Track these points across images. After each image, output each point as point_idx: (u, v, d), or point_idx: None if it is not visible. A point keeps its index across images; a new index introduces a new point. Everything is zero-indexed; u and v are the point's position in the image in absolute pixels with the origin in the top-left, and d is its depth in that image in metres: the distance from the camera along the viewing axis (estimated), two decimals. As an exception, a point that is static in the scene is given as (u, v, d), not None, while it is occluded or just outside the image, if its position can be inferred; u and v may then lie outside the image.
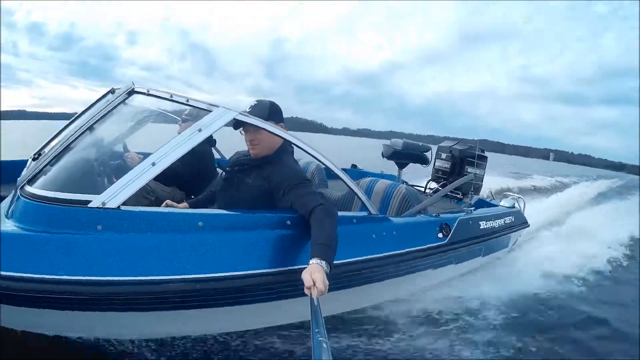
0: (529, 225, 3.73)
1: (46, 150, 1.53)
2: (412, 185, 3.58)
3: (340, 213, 1.57)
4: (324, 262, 1.25)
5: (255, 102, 1.74)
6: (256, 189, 1.64)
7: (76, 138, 1.45)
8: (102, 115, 1.50)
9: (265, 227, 1.52)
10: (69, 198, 1.27)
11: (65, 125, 1.71)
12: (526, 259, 3.75)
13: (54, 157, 1.41)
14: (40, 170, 1.40)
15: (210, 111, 1.50)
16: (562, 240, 4.47)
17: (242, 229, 1.47)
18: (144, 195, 2.02)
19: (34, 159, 1.56)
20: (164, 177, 1.60)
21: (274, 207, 1.62)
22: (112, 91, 1.51)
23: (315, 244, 1.33)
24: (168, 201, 1.71)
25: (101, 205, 1.26)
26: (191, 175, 2.33)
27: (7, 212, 1.33)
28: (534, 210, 4.24)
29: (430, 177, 3.46)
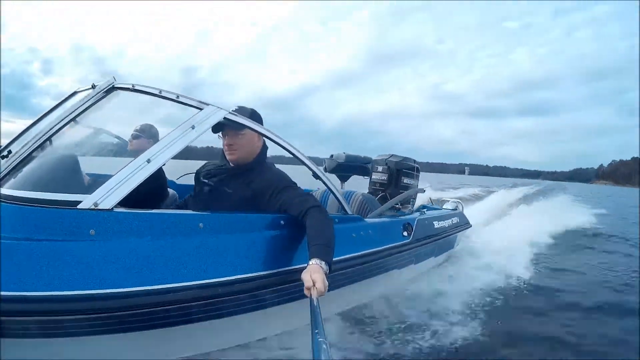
0: (471, 226, 4.11)
1: (14, 147, 1.36)
2: None
3: None
4: (323, 263, 1.27)
5: (237, 108, 1.72)
6: (237, 198, 1.60)
7: (53, 134, 1.31)
8: (79, 113, 1.38)
9: (269, 228, 1.49)
10: (54, 199, 1.11)
11: (34, 121, 1.53)
12: None
13: (29, 153, 1.24)
14: (12, 169, 1.22)
15: (201, 109, 1.45)
16: None
17: (245, 231, 1.42)
18: None
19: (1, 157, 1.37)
20: None
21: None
22: (92, 86, 1.40)
23: (314, 245, 1.35)
24: None
25: (93, 207, 1.11)
26: (145, 193, 2.15)
27: None
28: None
29: (367, 190, 3.65)
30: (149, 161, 1.25)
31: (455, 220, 3.66)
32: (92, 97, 1.39)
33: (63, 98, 1.62)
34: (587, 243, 5.70)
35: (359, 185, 3.45)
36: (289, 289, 1.46)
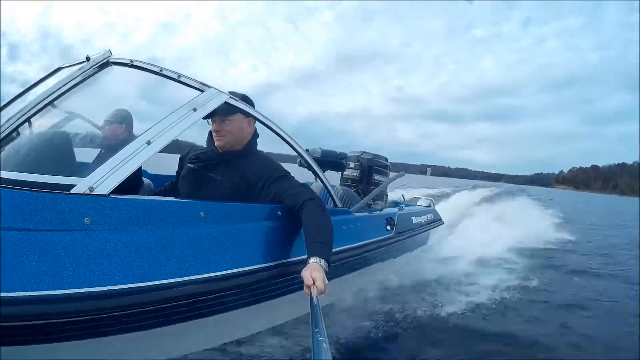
0: (443, 222, 4.20)
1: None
2: None
3: None
4: (323, 261, 1.23)
5: (228, 93, 1.67)
6: (227, 185, 1.52)
7: (40, 109, 1.18)
8: (70, 87, 1.27)
9: (273, 219, 1.44)
10: (44, 181, 0.98)
11: (18, 93, 1.39)
12: None
13: (12, 130, 1.11)
14: None
15: (203, 91, 1.38)
16: None
17: (248, 221, 1.36)
18: None
19: None
20: None
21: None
22: (87, 59, 1.29)
23: (313, 242, 1.31)
24: None
25: (89, 191, 0.98)
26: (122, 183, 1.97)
27: None
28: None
29: None
30: (149, 143, 1.15)
31: (430, 216, 3.75)
32: (85, 71, 1.27)
33: (47, 73, 1.48)
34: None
35: (330, 180, 3.46)
36: (294, 279, 1.41)
